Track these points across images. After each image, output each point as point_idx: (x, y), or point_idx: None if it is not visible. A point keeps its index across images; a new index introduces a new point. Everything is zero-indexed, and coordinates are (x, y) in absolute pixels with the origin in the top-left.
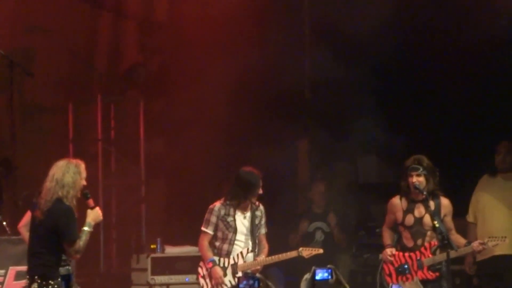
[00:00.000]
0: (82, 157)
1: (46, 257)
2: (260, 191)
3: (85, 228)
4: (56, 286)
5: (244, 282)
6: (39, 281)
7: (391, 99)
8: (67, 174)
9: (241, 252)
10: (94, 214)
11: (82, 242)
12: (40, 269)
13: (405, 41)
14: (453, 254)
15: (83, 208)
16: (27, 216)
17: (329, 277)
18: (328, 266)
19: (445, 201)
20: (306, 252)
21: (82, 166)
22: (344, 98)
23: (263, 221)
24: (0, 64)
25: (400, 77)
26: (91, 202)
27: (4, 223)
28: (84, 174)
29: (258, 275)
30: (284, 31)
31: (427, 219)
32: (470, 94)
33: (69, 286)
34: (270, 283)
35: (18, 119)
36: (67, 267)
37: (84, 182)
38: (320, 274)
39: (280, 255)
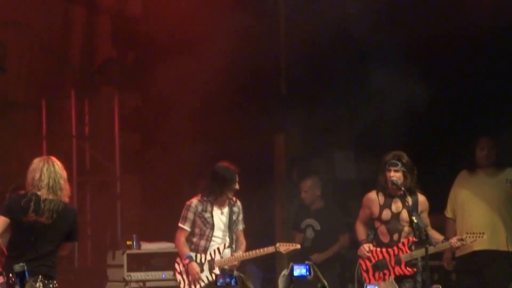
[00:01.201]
0: (56, 153)
1: (52, 259)
2: (237, 186)
3: None
4: (56, 285)
5: (221, 280)
6: (43, 280)
7: (367, 94)
8: (63, 171)
9: (218, 248)
10: None
11: None
12: (45, 269)
13: (384, 34)
14: (431, 250)
15: None
16: (3, 223)
17: (307, 273)
18: (306, 262)
19: (422, 198)
20: (284, 247)
21: None
22: (321, 94)
23: (240, 217)
24: None
25: (379, 72)
26: None
27: None
28: None
29: (235, 272)
30: (260, 25)
31: (404, 214)
32: (446, 91)
33: (23, 284)
34: (247, 281)
35: None
36: (21, 264)
37: None
38: (298, 271)
39: (257, 251)
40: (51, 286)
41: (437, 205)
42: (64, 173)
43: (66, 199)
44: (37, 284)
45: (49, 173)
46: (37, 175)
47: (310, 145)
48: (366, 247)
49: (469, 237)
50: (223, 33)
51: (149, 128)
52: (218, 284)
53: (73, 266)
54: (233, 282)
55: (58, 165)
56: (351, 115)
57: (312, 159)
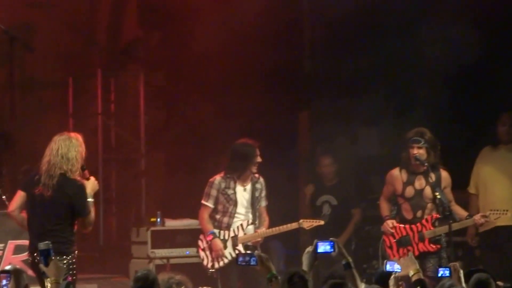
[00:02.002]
0: (82, 131)
1: (60, 234)
2: (259, 159)
3: (89, 200)
4: (70, 261)
5: (241, 258)
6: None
7: (392, 71)
8: (72, 148)
9: (241, 225)
10: (92, 184)
11: (92, 214)
12: (55, 245)
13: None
14: (454, 226)
15: None
16: (19, 198)
17: (332, 250)
18: (330, 239)
19: (444, 174)
20: (307, 223)
21: (81, 139)
22: (345, 70)
23: (263, 194)
24: (0, 39)
25: (400, 48)
26: (87, 173)
27: (4, 197)
28: (83, 147)
29: (256, 251)
30: (282, 8)
31: (427, 191)
32: (470, 65)
33: (48, 262)
34: (268, 261)
35: (18, 94)
36: (47, 242)
37: (83, 156)
38: (322, 247)
39: (280, 227)
40: (64, 262)
41: (461, 182)
42: (79, 150)
43: (75, 177)
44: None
45: (58, 148)
46: (48, 150)
47: (334, 122)
48: (390, 223)
49: (493, 213)
50: (247, 12)
51: (174, 106)
52: (238, 263)
53: (98, 243)
54: (253, 261)
55: (74, 142)
56: (375, 92)
57: (335, 136)
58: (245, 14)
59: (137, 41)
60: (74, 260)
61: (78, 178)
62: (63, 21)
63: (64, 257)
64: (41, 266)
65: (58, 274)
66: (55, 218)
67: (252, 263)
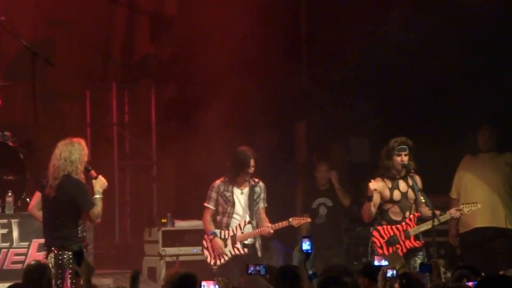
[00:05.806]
0: (99, 140)
1: (63, 230)
2: (250, 170)
3: (97, 196)
4: (71, 256)
5: (252, 268)
6: (55, 251)
7: (379, 84)
8: (74, 151)
9: (239, 224)
10: (100, 182)
11: (99, 208)
12: (58, 241)
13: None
14: (433, 223)
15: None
16: (36, 197)
17: (310, 251)
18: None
19: (418, 177)
20: (296, 221)
21: (83, 143)
22: (339, 85)
23: (262, 196)
24: (23, 55)
25: (387, 63)
26: (93, 173)
27: (28, 199)
28: (86, 150)
29: (266, 262)
30: (282, 28)
31: (410, 193)
32: (449, 79)
33: (81, 262)
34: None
35: (40, 106)
36: (79, 243)
37: (86, 158)
38: (304, 246)
39: (273, 225)
40: (65, 256)
41: (441, 187)
42: (81, 153)
43: (79, 177)
44: (48, 256)
45: (61, 152)
46: (53, 155)
47: (329, 131)
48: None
49: (465, 207)
50: (252, 33)
51: (183, 117)
52: (249, 272)
53: (114, 242)
54: (262, 271)
55: (76, 146)
56: (367, 105)
57: (330, 145)
58: (248, 32)
59: (149, 56)
60: None
61: (82, 177)
62: (81, 38)
63: (66, 252)
64: (74, 265)
65: (89, 273)
66: (58, 216)
67: (262, 273)
